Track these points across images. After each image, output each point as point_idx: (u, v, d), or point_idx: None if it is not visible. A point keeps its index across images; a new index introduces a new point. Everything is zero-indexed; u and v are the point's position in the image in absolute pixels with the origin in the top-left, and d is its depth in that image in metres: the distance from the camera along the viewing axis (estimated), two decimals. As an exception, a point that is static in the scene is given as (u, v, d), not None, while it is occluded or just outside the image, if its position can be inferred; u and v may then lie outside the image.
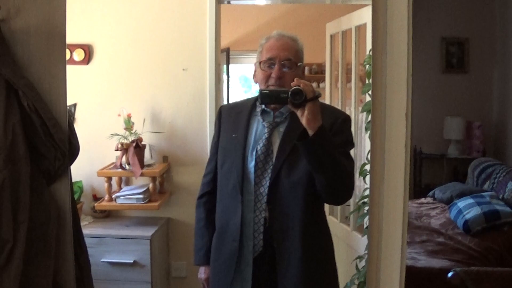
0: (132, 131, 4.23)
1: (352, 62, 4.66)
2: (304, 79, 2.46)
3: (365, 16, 4.46)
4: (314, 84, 9.24)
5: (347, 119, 2.81)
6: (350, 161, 2.72)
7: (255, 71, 2.84)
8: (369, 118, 3.80)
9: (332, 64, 5.40)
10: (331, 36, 5.28)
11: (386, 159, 1.90)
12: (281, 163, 2.66)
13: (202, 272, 3.03)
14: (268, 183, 2.67)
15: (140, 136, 4.26)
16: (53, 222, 1.88)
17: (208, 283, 2.99)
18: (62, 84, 1.90)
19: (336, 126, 2.68)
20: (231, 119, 2.87)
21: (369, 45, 4.21)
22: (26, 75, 1.87)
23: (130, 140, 4.19)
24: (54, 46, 1.89)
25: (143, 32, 4.41)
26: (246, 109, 2.85)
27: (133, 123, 4.26)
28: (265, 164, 2.69)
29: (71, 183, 2.02)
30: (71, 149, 1.97)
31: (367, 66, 3.90)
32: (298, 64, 2.77)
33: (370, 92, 3.83)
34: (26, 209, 1.78)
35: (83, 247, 2.13)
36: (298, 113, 2.41)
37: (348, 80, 5.17)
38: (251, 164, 2.71)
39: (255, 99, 2.87)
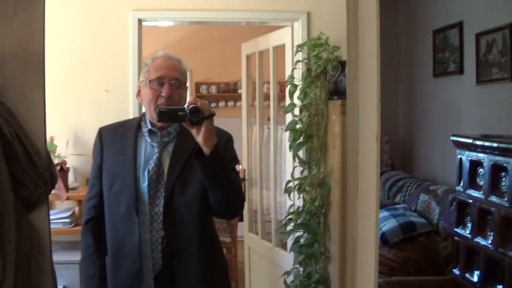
0: (55, 154, 4.16)
1: (271, 83, 4.75)
2: (191, 96, 2.53)
3: (283, 37, 4.57)
4: (222, 103, 9.33)
5: (230, 137, 2.90)
6: (238, 177, 2.84)
7: (139, 90, 2.85)
8: (292, 137, 3.90)
9: (249, 83, 5.48)
10: (247, 56, 5.36)
11: (359, 177, 1.98)
12: (173, 181, 2.70)
13: None
14: (162, 202, 2.69)
15: (64, 159, 4.20)
16: (35, 251, 1.84)
17: None
18: (40, 110, 1.86)
19: (222, 143, 2.74)
20: (116, 140, 2.85)
21: (288, 65, 4.33)
22: (3, 100, 1.83)
23: (54, 163, 4.12)
24: (32, 71, 1.83)
25: (65, 53, 4.36)
26: (131, 130, 2.84)
27: (56, 146, 4.19)
28: (158, 184, 2.71)
29: (48, 211, 1.99)
30: (51, 177, 1.94)
31: (289, 86, 3.99)
32: (185, 84, 2.82)
33: (293, 112, 3.95)
34: (12, 240, 1.73)
35: (54, 274, 2.10)
36: (193, 131, 2.45)
37: (265, 98, 5.26)
38: (144, 185, 2.72)
39: (138, 119, 2.88)
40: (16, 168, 1.83)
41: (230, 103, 9.31)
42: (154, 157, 2.73)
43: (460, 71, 5.46)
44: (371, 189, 1.93)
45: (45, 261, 1.90)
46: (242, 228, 5.55)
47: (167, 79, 2.72)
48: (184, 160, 2.70)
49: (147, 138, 2.79)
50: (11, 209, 1.76)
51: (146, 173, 2.72)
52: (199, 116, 2.39)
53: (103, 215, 2.85)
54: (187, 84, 2.87)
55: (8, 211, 1.74)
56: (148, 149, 2.78)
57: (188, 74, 2.82)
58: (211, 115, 2.44)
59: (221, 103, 9.35)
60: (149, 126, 2.80)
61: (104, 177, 2.83)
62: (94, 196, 2.89)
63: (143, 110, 4.46)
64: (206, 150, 2.45)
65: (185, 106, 2.43)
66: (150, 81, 2.74)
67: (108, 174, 2.81)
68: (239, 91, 5.55)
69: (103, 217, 2.85)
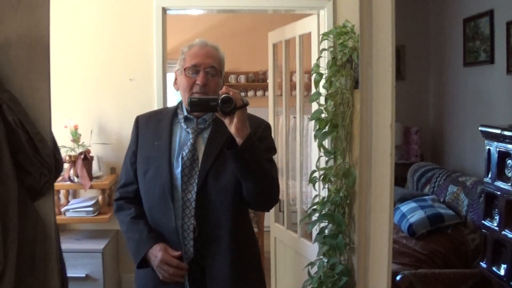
0: (79, 143, 4.17)
1: (297, 71, 4.69)
2: (224, 85, 2.48)
3: (308, 25, 4.51)
4: (251, 93, 9.28)
5: (268, 126, 2.85)
6: (274, 167, 2.77)
7: (176, 79, 2.82)
8: (318, 126, 3.85)
9: (275, 72, 5.43)
10: (274, 45, 5.32)
11: (372, 168, 1.93)
12: (207, 169, 2.65)
13: (156, 255, 2.67)
14: (195, 189, 2.65)
15: (88, 147, 4.20)
16: (40, 240, 1.81)
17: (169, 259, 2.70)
18: (45, 97, 1.83)
19: (259, 133, 2.71)
20: (151, 128, 2.82)
21: (314, 54, 4.27)
22: (8, 88, 1.81)
23: (78, 152, 4.13)
24: (37, 58, 1.81)
25: (89, 42, 4.36)
26: (167, 117, 2.82)
27: (80, 135, 4.20)
28: (191, 170, 2.67)
29: (54, 199, 1.97)
30: (56, 165, 1.91)
31: (314, 75, 3.94)
32: (222, 72, 2.78)
33: (318, 101, 3.90)
34: (15, 228, 1.71)
35: (63, 264, 2.08)
36: (226, 121, 2.41)
37: (292, 87, 5.21)
38: (178, 170, 2.68)
39: (175, 108, 2.85)
40: (21, 156, 1.80)
41: (259, 93, 9.26)
42: (189, 143, 2.69)
43: (491, 60, 5.36)
44: (385, 180, 1.88)
45: (50, 251, 1.87)
46: (269, 218, 5.52)
47: (202, 67, 2.69)
48: (219, 148, 2.65)
49: (182, 124, 2.76)
50: (15, 198, 1.73)
51: (180, 159, 2.68)
52: (231, 106, 2.35)
53: (137, 199, 2.82)
54: (224, 72, 2.83)
55: (11, 199, 1.71)
56: (183, 135, 2.75)
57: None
58: (244, 105, 2.40)
59: (250, 93, 9.31)
60: (185, 113, 2.77)
61: (138, 163, 2.81)
62: (130, 182, 2.85)
63: (168, 99, 4.51)
64: (238, 140, 2.41)
65: (218, 95, 2.40)
66: (185, 69, 2.71)
67: (143, 160, 2.79)
68: (268, 81, 5.51)
69: (137, 200, 2.82)
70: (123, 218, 2.84)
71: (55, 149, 1.97)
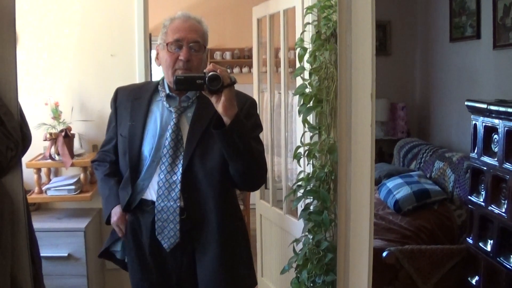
0: (60, 120, 4.10)
1: (281, 46, 4.63)
2: (210, 63, 2.43)
3: (293, -1, 4.44)
4: (237, 69, 9.23)
5: (254, 103, 2.79)
6: (261, 145, 2.73)
7: (157, 53, 2.74)
8: (302, 101, 3.80)
9: (260, 48, 5.37)
10: (258, 20, 5.25)
11: (352, 139, 1.88)
12: (193, 149, 2.61)
13: (116, 214, 2.79)
14: (180, 171, 2.61)
15: (69, 125, 4.13)
16: (7, 216, 1.75)
17: (122, 224, 2.80)
18: (11, 68, 1.76)
19: (245, 110, 2.65)
20: (128, 105, 2.76)
21: (298, 29, 4.20)
22: None
23: (59, 129, 4.06)
24: (2, 27, 1.73)
25: (69, 17, 4.26)
26: (146, 95, 2.75)
27: (61, 112, 4.12)
28: (176, 151, 2.63)
29: (22, 174, 1.90)
30: (24, 139, 1.85)
31: (298, 49, 3.88)
32: (205, 47, 2.71)
33: (302, 75, 3.84)
34: None
35: (34, 240, 2.02)
36: (213, 99, 2.35)
37: (277, 64, 5.15)
38: (164, 152, 2.63)
39: (156, 83, 2.79)
40: None
41: (245, 69, 9.22)
42: (172, 123, 2.64)
43: (477, 35, 5.34)
44: (366, 152, 1.83)
45: (19, 228, 1.82)
46: (254, 195, 5.49)
47: (186, 42, 2.61)
48: (204, 127, 2.60)
49: (164, 103, 2.69)
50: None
51: (164, 139, 2.63)
52: (219, 84, 2.29)
53: (115, 157, 2.82)
54: (207, 47, 2.76)
55: (-25, 174, 1.66)
56: (165, 115, 2.68)
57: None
58: (232, 83, 2.34)
59: (236, 69, 9.27)
60: (167, 91, 2.70)
61: (119, 142, 2.78)
62: (109, 150, 2.86)
63: (151, 75, 4.44)
64: (226, 119, 2.36)
65: (204, 73, 2.33)
66: (167, 44, 2.63)
67: (120, 138, 2.75)
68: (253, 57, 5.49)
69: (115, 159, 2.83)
70: (98, 175, 2.87)
71: (23, 122, 1.91)
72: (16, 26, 1.78)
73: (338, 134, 3.55)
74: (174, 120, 2.64)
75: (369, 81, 1.80)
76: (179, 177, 2.61)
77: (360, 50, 1.80)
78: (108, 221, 2.81)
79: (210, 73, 2.30)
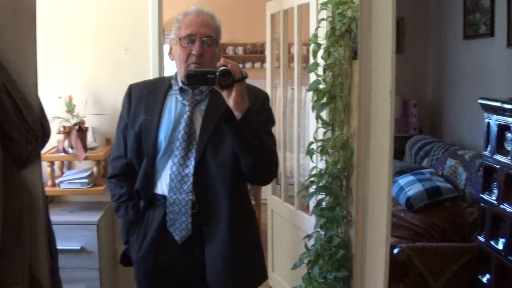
0: (74, 114, 4.12)
1: (295, 41, 4.63)
2: (222, 57, 2.42)
3: (307, -5, 4.43)
4: (249, 64, 9.21)
5: (266, 97, 2.79)
6: (273, 140, 2.74)
7: (171, 48, 2.75)
8: (316, 97, 3.80)
9: (273, 43, 5.37)
10: (272, 15, 5.25)
11: (371, 136, 1.88)
12: (205, 142, 2.62)
13: None
14: (193, 164, 2.62)
15: (83, 118, 4.15)
16: (27, 210, 1.75)
17: None
18: (32, 63, 1.76)
19: (257, 104, 2.66)
20: (143, 100, 2.76)
21: (312, 24, 4.20)
22: None
23: (72, 123, 4.08)
24: (23, 21, 1.73)
25: (84, 12, 4.28)
26: (161, 90, 2.76)
27: (74, 106, 4.14)
28: (189, 144, 2.63)
29: (41, 168, 1.91)
30: (44, 132, 1.85)
31: (313, 45, 3.87)
32: (218, 41, 2.71)
33: (316, 71, 3.84)
34: (0, 198, 1.65)
35: (51, 234, 2.03)
36: (224, 94, 2.36)
37: (290, 59, 5.15)
38: (177, 144, 2.64)
39: (169, 78, 2.79)
40: (5, 123, 1.72)
41: (257, 65, 9.20)
42: (185, 116, 2.65)
43: (491, 33, 5.31)
44: (384, 149, 1.83)
45: (37, 221, 1.82)
46: (266, 190, 5.49)
47: (198, 37, 2.61)
48: (217, 120, 2.60)
49: (178, 96, 2.70)
50: (0, 166, 1.67)
51: (177, 132, 2.64)
52: (230, 79, 2.29)
53: (131, 171, 2.81)
54: (220, 41, 2.76)
55: (-5, 167, 1.65)
56: (179, 108, 2.69)
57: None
58: (243, 78, 2.34)
59: (248, 64, 9.25)
60: (180, 84, 2.71)
61: (129, 137, 2.77)
62: (121, 155, 2.85)
63: (164, 69, 4.45)
64: (237, 114, 2.37)
65: (215, 68, 2.33)
66: (180, 39, 2.64)
67: (133, 134, 2.74)
68: (265, 52, 5.48)
69: (131, 174, 2.81)
70: (115, 198, 2.86)
71: (42, 116, 1.91)
72: (36, 18, 1.78)
73: (352, 131, 3.56)
74: (187, 113, 2.65)
75: (389, 78, 1.79)
76: (191, 170, 2.62)
77: (381, 48, 1.80)
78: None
79: (221, 68, 2.31)
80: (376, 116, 1.85)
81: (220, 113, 2.54)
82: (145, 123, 2.69)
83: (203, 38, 2.62)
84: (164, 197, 2.69)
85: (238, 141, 2.46)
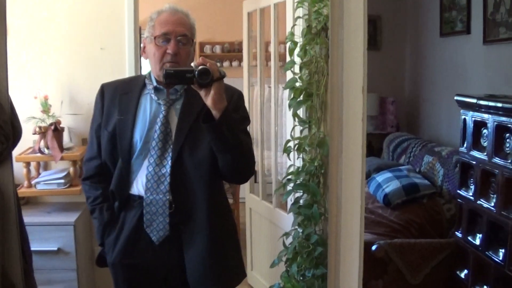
0: (49, 114, 4.09)
1: (272, 40, 4.63)
2: (200, 56, 2.42)
3: (284, -7, 4.44)
4: (226, 63, 9.21)
5: (241, 95, 2.79)
6: (249, 138, 2.74)
7: (144, 47, 2.72)
8: (292, 95, 3.80)
9: (250, 42, 5.37)
10: (248, 14, 5.24)
11: (344, 133, 1.88)
12: (182, 142, 2.60)
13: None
14: (169, 163, 2.61)
15: (58, 118, 4.12)
16: (-3, 211, 1.74)
17: None
18: (2, 62, 1.73)
19: (233, 103, 2.64)
20: (116, 100, 2.73)
21: (289, 22, 4.20)
22: None
23: (48, 123, 4.05)
24: None
25: (59, 10, 4.25)
26: (135, 89, 2.73)
27: (50, 105, 4.12)
28: (165, 144, 2.62)
29: (12, 168, 1.88)
30: (14, 133, 1.83)
31: (289, 43, 3.88)
32: (193, 40, 2.70)
33: (292, 69, 3.84)
34: None
35: (25, 234, 2.01)
36: (202, 93, 2.35)
37: (267, 58, 5.14)
38: (153, 144, 2.62)
39: (143, 77, 2.77)
40: None
41: (235, 63, 9.21)
42: (161, 116, 2.63)
43: (467, 30, 5.34)
44: (357, 146, 1.83)
45: (10, 222, 1.79)
46: (244, 189, 5.49)
47: (173, 35, 2.59)
48: (193, 119, 2.60)
49: (152, 95, 2.68)
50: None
51: (153, 132, 2.63)
52: (208, 78, 2.29)
53: (105, 172, 2.78)
54: (195, 40, 2.75)
55: (-35, 169, 1.63)
56: (154, 107, 2.67)
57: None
58: (221, 77, 2.34)
59: (226, 63, 9.26)
60: (155, 84, 2.69)
61: (102, 138, 2.74)
62: (95, 156, 2.81)
63: (141, 68, 4.42)
64: (215, 113, 2.36)
65: (193, 67, 2.33)
66: (155, 37, 2.61)
67: (107, 134, 2.71)
68: (243, 51, 5.50)
69: (105, 175, 2.78)
70: (89, 201, 2.84)
71: (13, 115, 1.89)
72: (6, 15, 1.75)
73: (328, 128, 3.57)
74: (163, 112, 2.63)
75: (361, 75, 1.79)
76: (168, 170, 2.60)
77: (352, 44, 1.80)
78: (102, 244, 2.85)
79: (200, 67, 2.30)
80: (348, 113, 1.85)
81: (196, 112, 2.55)
82: (119, 123, 2.67)
83: (178, 37, 2.60)
84: (140, 197, 2.67)
85: (217, 140, 2.45)
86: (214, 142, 2.47)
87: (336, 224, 1.97)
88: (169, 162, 2.60)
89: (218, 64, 9.00)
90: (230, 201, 6.27)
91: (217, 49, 9.23)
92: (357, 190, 1.91)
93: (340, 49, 1.84)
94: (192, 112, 2.60)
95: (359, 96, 1.82)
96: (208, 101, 2.34)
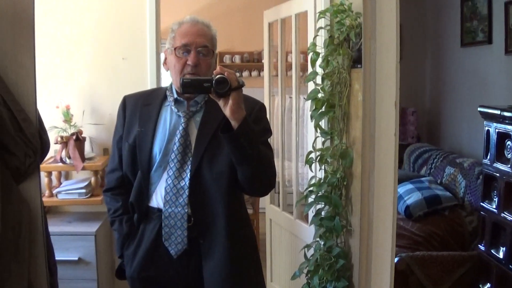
0: (71, 124, 4.11)
1: (293, 50, 4.62)
2: (218, 66, 2.40)
3: (305, 3, 4.42)
4: (246, 73, 9.21)
5: (263, 107, 2.77)
6: (270, 150, 2.72)
7: (165, 58, 2.72)
8: (314, 106, 3.78)
9: (271, 52, 5.36)
10: (269, 24, 5.23)
11: (376, 149, 1.86)
12: (201, 154, 2.58)
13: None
14: (188, 176, 2.59)
15: (80, 128, 4.13)
16: (25, 225, 1.72)
17: None
18: (30, 74, 1.72)
19: (254, 114, 2.62)
20: (138, 112, 2.73)
21: (310, 33, 4.19)
22: None
23: (70, 132, 4.07)
24: (21, 32, 1.68)
25: (81, 21, 4.27)
26: (156, 101, 2.73)
27: (72, 115, 4.13)
28: (184, 156, 2.60)
29: (40, 181, 1.88)
30: (42, 145, 1.82)
31: (311, 54, 3.86)
32: (214, 51, 2.68)
33: (314, 80, 3.82)
34: None
35: (50, 247, 2.00)
36: (220, 103, 2.32)
37: (287, 68, 5.13)
38: (172, 157, 2.61)
39: (165, 89, 2.76)
40: (3, 136, 1.68)
41: (254, 73, 9.21)
42: (181, 128, 2.61)
43: (489, 40, 5.31)
44: (389, 160, 1.81)
45: (37, 235, 1.79)
46: (264, 200, 5.47)
47: (194, 46, 2.58)
48: (212, 131, 2.57)
49: (173, 107, 2.66)
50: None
51: (172, 144, 2.61)
52: (226, 87, 2.26)
53: (126, 184, 2.78)
54: (216, 51, 2.73)
55: (-6, 181, 1.62)
56: (174, 119, 2.66)
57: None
58: (240, 86, 2.30)
59: (245, 73, 9.26)
60: (175, 95, 2.68)
61: (123, 150, 2.74)
62: (116, 168, 2.82)
63: (162, 79, 4.43)
64: (234, 123, 2.33)
65: (212, 76, 2.31)
66: (175, 49, 2.60)
67: (128, 146, 2.71)
68: (263, 61, 5.47)
69: (126, 187, 2.78)
70: (110, 212, 2.84)
71: (41, 128, 1.88)
72: (34, 29, 1.75)
73: (351, 140, 3.54)
74: (183, 124, 2.62)
75: (394, 89, 1.78)
76: (187, 183, 2.59)
77: (385, 57, 1.78)
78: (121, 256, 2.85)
79: (217, 76, 2.27)
80: (380, 128, 1.83)
81: (216, 125, 2.52)
82: (139, 135, 2.66)
83: (198, 48, 2.59)
84: (159, 210, 2.66)
85: (235, 151, 2.43)
86: (232, 152, 2.44)
87: (367, 239, 1.95)
88: (188, 175, 2.59)
89: (237, 74, 9.01)
90: (250, 211, 6.26)
91: (237, 59, 9.24)
92: (389, 206, 1.89)
93: (373, 62, 1.82)
94: (212, 124, 2.58)
95: (391, 110, 1.80)
96: (227, 110, 2.31)
